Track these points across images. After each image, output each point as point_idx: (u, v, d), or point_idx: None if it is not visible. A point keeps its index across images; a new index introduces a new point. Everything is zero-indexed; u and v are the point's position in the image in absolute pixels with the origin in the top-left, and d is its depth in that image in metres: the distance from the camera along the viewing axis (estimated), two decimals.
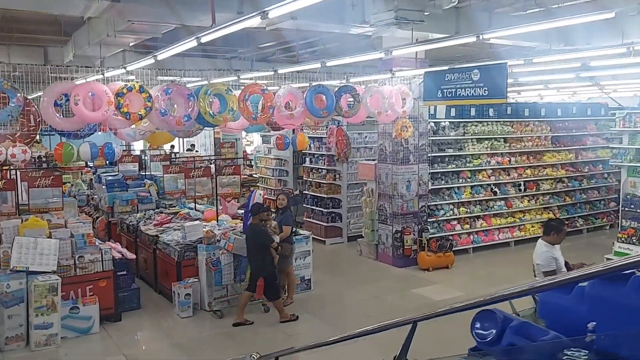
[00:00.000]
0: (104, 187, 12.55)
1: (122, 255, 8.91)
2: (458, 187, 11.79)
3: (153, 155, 13.75)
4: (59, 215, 8.57)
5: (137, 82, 7.57)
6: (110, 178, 12.80)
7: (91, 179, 14.97)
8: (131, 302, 8.71)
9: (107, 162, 13.66)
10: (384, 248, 11.26)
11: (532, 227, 12.79)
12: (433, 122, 11.20)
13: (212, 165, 10.36)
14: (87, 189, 14.12)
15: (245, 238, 8.20)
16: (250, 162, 19.26)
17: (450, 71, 8.76)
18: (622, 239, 10.99)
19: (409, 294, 9.54)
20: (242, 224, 9.25)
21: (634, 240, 10.88)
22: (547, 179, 13.01)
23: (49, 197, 8.67)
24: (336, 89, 9.14)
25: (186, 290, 8.40)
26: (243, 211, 9.33)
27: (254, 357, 3.55)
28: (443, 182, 11.56)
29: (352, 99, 9.22)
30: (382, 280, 10.35)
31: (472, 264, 11.37)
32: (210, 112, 8.06)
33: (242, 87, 8.59)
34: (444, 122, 11.42)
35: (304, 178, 13.82)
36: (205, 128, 9.79)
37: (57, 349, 7.34)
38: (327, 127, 11.86)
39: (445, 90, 8.88)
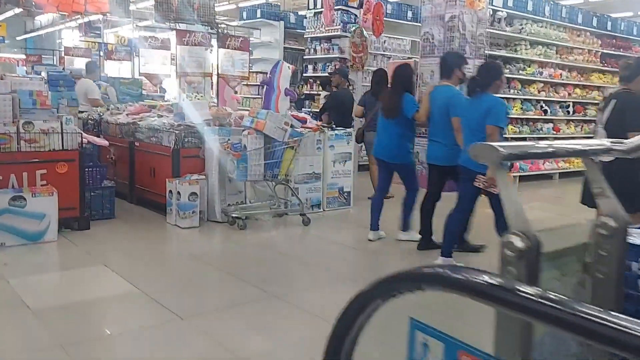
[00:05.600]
0: (45, 85, 9.37)
1: (88, 141, 5.96)
2: (508, 99, 9.54)
3: (110, 52, 10.55)
4: None
5: None
6: (54, 74, 9.61)
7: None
8: (101, 208, 5.80)
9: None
10: (421, 169, 8.80)
11: (577, 159, 10.81)
12: (491, 8, 8.84)
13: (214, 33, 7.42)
14: None
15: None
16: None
17: None
18: None
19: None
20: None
21: None
22: (593, 104, 11.04)
23: None
24: None
25: (191, 188, 5.58)
26: (264, 89, 6.53)
27: None
28: None
29: None
30: None
31: (523, 193, 9.14)
32: None
33: None
34: (502, 12, 9.09)
35: (305, 92, 11.12)
36: None
37: None
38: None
39: None
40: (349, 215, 6.72)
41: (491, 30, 8.95)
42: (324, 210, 6.69)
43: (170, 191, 5.70)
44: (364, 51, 10.15)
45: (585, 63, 10.82)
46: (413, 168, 5.32)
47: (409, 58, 10.59)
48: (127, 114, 7.21)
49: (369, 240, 5.31)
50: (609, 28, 11.26)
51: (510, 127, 9.60)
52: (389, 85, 5.45)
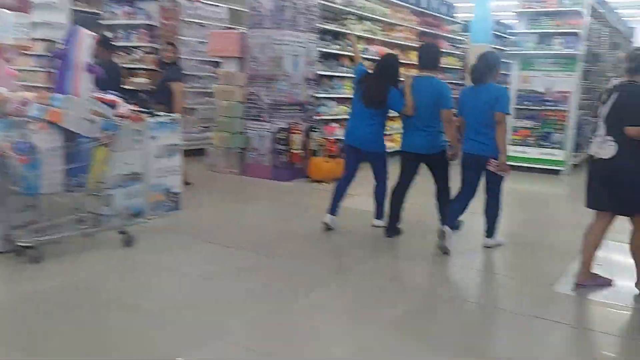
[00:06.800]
0: None
1: None
2: (337, 77, 8.93)
3: None
4: None
5: None
6: None
7: None
8: None
9: None
10: (257, 156, 7.77)
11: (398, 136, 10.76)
12: None
13: None
14: None
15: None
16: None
17: None
18: (517, 141, 9.62)
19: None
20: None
21: (530, 142, 9.63)
22: None
23: None
24: None
25: None
26: (57, 64, 4.83)
27: None
28: (326, 67, 8.57)
29: None
30: (276, 198, 6.92)
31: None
32: None
33: None
34: None
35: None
36: None
37: None
38: None
39: None
40: (181, 223, 5.44)
41: (321, 2, 8.17)
42: (147, 219, 5.30)
43: None
44: (176, 18, 8.72)
45: (405, 40, 10.70)
46: (386, 157, 5.35)
47: (228, 28, 9.38)
48: None
49: (324, 223, 5.25)
50: (424, 5, 11.31)
51: (343, 106, 9.03)
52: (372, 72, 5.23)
